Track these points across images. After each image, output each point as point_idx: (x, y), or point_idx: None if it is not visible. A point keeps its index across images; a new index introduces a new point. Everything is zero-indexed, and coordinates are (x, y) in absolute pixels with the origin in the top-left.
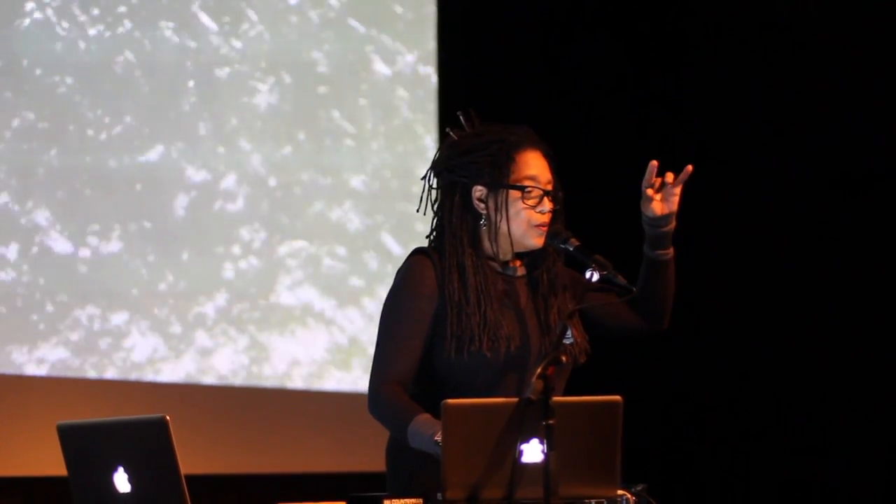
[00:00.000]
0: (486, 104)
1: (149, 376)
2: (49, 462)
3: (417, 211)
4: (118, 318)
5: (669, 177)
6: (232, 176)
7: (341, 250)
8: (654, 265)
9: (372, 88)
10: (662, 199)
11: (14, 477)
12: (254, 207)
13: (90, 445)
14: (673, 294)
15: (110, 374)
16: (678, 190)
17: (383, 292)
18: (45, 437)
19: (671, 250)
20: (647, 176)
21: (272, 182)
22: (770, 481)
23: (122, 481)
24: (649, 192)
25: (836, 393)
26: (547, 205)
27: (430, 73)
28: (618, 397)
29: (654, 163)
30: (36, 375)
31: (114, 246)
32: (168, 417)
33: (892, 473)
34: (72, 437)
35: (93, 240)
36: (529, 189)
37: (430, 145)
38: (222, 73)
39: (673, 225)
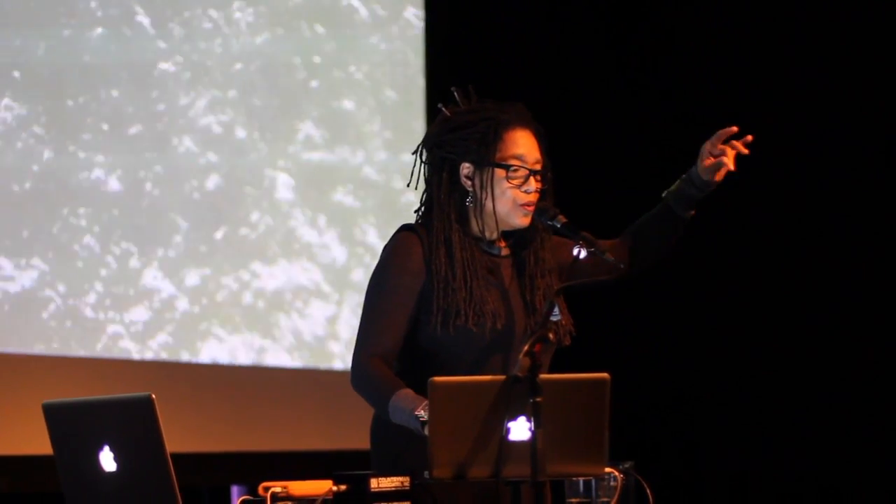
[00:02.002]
0: (476, 81)
1: (135, 355)
2: (35, 441)
3: (408, 185)
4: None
5: (739, 145)
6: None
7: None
8: (675, 220)
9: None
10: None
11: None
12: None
13: (76, 424)
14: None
15: (96, 352)
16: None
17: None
18: (31, 415)
19: (693, 212)
20: (716, 139)
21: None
22: (759, 459)
23: (107, 460)
24: (724, 158)
25: (828, 372)
26: (533, 184)
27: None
28: (605, 375)
29: (734, 129)
30: (22, 353)
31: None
32: (154, 396)
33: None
34: (57, 416)
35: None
36: (515, 168)
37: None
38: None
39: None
